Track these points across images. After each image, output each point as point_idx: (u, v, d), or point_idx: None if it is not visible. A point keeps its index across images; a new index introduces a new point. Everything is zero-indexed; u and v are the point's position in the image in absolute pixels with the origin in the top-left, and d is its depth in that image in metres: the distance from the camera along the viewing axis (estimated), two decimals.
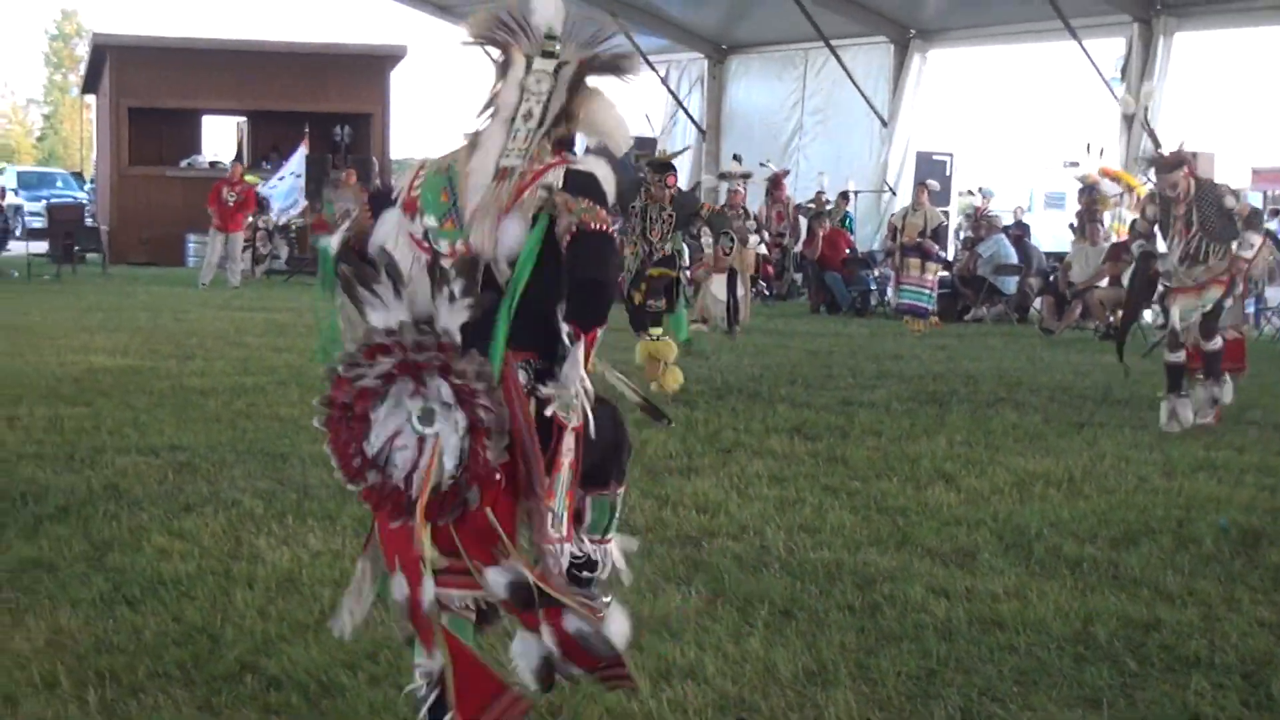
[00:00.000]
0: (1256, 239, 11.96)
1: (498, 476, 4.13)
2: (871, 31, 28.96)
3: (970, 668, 5.76)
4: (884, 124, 28.83)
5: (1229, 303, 12.20)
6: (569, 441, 4.36)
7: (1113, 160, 22.81)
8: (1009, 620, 6.35)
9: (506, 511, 4.24)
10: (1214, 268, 11.83)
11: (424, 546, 4.12)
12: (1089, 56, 24.80)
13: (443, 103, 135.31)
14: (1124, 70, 25.47)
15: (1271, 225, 28.97)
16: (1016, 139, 38.99)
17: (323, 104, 32.44)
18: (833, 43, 28.79)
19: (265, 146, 35.13)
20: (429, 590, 4.19)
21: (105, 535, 7.39)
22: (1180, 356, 12.13)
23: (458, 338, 4.06)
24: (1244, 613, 6.61)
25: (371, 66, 34.24)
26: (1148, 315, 12.26)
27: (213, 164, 34.32)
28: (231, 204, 26.47)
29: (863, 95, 28.81)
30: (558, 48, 4.36)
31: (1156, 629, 6.31)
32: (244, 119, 36.04)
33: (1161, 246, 12.21)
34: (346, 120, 31.70)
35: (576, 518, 4.67)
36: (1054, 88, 31.46)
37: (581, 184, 4.29)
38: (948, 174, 28.37)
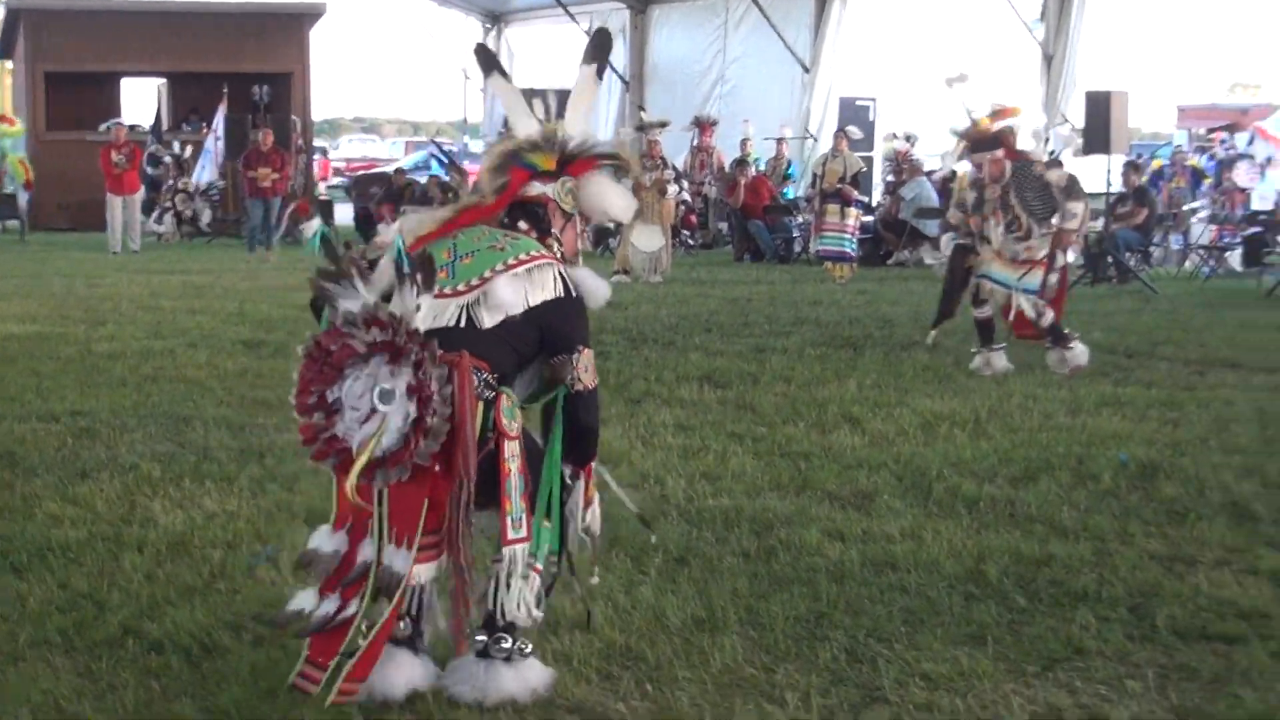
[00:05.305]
0: (1078, 207, 11.80)
1: (429, 466, 4.55)
2: None
3: (859, 609, 5.78)
4: (806, 70, 28.77)
5: (1054, 279, 11.99)
6: (513, 448, 4.72)
7: (1029, 103, 22.81)
8: (902, 561, 6.38)
9: (438, 500, 4.64)
10: (1035, 246, 11.75)
11: (353, 499, 4.53)
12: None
13: (364, 60, 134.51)
14: (1043, 12, 25.56)
15: (1199, 161, 29.34)
16: (939, 83, 38.99)
17: (241, 64, 32.11)
18: None
19: (184, 108, 34.79)
20: (367, 551, 4.67)
21: None
22: (986, 311, 12.08)
23: (415, 321, 4.55)
24: (1135, 546, 6.67)
25: (290, 25, 33.92)
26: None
27: (132, 128, 33.90)
28: (121, 167, 26.14)
29: (784, 42, 28.76)
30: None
31: (1048, 565, 6.35)
32: (163, 81, 35.64)
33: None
34: (266, 80, 31.41)
35: None
36: (975, 31, 31.48)
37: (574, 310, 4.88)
38: (871, 119, 28.33)
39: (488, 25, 37.52)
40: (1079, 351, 11.84)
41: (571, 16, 33.80)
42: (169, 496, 7.42)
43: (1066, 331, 11.97)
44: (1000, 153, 11.78)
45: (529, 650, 4.87)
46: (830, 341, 13.30)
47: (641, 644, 5.37)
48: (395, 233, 4.77)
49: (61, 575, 6.14)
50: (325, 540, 4.74)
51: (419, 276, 4.58)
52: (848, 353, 12.60)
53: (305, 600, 4.77)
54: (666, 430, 9.13)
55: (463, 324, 4.73)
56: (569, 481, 5.00)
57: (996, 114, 12.22)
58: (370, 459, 4.49)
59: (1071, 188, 11.79)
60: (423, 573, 4.74)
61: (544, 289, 4.79)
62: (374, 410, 4.51)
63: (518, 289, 4.74)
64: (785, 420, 9.50)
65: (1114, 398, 10.39)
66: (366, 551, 4.66)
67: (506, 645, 4.80)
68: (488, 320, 4.73)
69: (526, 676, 4.83)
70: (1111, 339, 13.42)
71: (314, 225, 4.87)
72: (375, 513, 4.64)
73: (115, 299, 16.85)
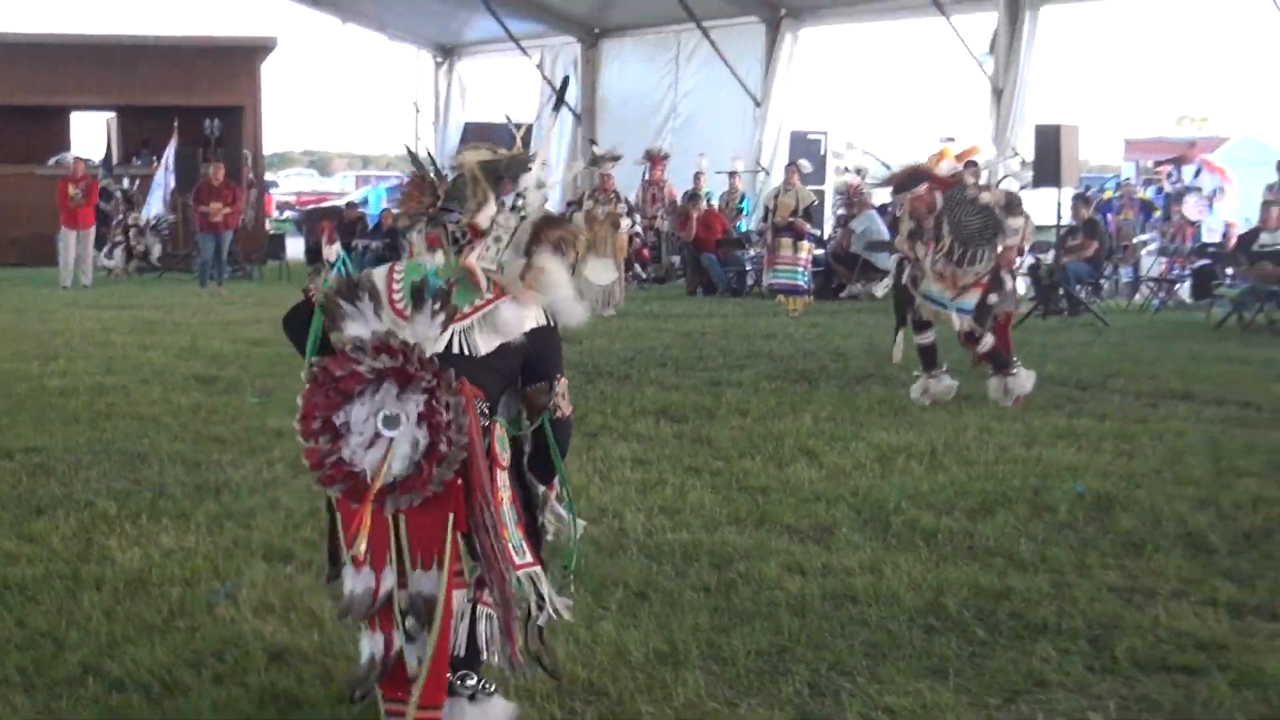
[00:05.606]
0: (1017, 222, 11.73)
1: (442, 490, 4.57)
2: (743, 11, 28.84)
3: (821, 643, 5.80)
4: (757, 104, 28.81)
5: (994, 299, 11.90)
6: (503, 478, 4.80)
7: (980, 138, 22.93)
8: (862, 594, 6.40)
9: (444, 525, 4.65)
10: (980, 270, 11.72)
11: (364, 529, 4.56)
12: (958, 33, 24.98)
13: (314, 94, 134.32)
14: (993, 45, 25.69)
15: (1147, 194, 29.51)
16: (890, 117, 39.23)
17: (192, 97, 31.97)
18: (705, 24, 28.73)
19: (135, 142, 34.64)
20: (389, 580, 4.66)
21: None
22: (929, 338, 12.08)
23: (429, 344, 4.62)
24: (1093, 578, 6.72)
25: (241, 58, 33.79)
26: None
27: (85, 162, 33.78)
28: (76, 201, 25.98)
29: (735, 76, 28.79)
30: (522, 204, 4.95)
31: (1007, 597, 6.38)
32: (113, 114, 35.49)
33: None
34: (217, 114, 31.33)
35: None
36: (925, 65, 31.72)
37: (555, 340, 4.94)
38: (822, 153, 28.42)
39: (439, 59, 37.49)
40: (1023, 378, 11.83)
41: (523, 50, 33.80)
42: (126, 534, 7.39)
43: (1008, 359, 11.96)
44: (922, 188, 11.76)
45: (493, 690, 4.87)
46: (785, 375, 13.32)
47: (604, 679, 5.38)
48: (435, 263, 4.83)
49: (19, 613, 6.12)
50: (353, 580, 4.70)
51: (441, 305, 4.65)
52: (803, 386, 12.63)
53: (367, 647, 4.80)
54: (624, 464, 9.13)
55: (457, 351, 4.73)
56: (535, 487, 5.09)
57: (960, 155, 12.29)
58: (381, 485, 4.53)
59: (1011, 205, 11.81)
60: (457, 599, 4.74)
61: (530, 318, 4.83)
62: (378, 435, 4.55)
63: (515, 313, 4.80)
64: (742, 454, 9.52)
65: (1068, 430, 10.45)
66: (387, 580, 4.67)
67: (472, 683, 4.81)
68: (483, 346, 4.74)
69: (490, 712, 4.84)
70: (1064, 371, 13.50)
71: (334, 249, 4.96)
72: (392, 539, 4.64)
73: (67, 334, 16.74)
